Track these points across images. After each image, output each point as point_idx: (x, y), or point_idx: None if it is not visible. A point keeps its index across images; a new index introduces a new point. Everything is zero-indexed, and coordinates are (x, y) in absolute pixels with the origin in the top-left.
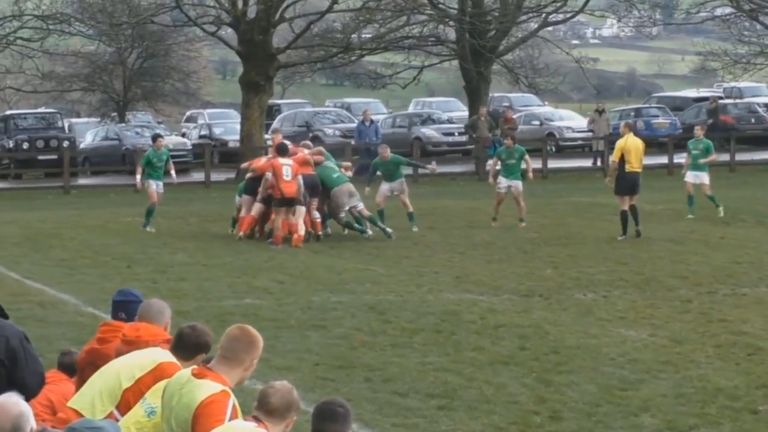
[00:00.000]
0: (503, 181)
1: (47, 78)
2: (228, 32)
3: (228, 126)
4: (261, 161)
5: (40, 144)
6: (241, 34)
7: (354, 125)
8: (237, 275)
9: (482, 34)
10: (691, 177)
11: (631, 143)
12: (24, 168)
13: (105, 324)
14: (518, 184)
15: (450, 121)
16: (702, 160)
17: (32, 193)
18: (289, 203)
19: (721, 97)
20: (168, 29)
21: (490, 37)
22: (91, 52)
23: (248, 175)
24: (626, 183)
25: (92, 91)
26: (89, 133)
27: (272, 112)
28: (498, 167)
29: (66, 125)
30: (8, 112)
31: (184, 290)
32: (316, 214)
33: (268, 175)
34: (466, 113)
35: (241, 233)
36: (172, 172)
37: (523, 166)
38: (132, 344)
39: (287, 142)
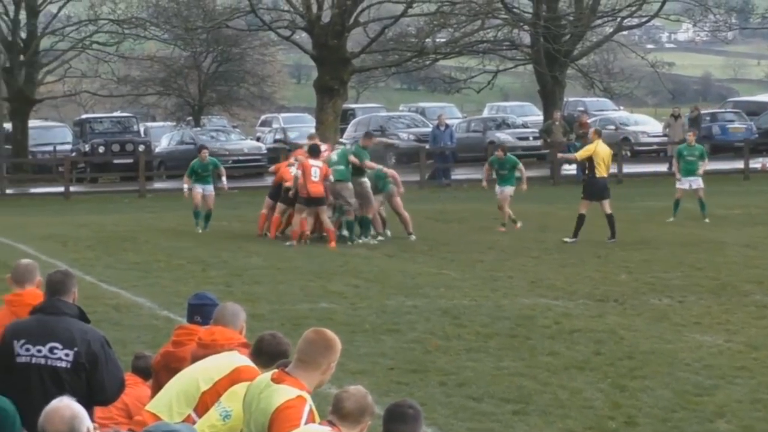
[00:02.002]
0: (498, 189)
1: (123, 82)
2: (302, 36)
3: (303, 130)
4: (284, 166)
5: (115, 148)
6: (316, 39)
7: (428, 130)
8: (311, 279)
9: (557, 38)
10: (686, 183)
11: (601, 149)
12: (100, 172)
13: (180, 327)
14: (507, 190)
15: (524, 125)
16: (699, 171)
17: (107, 196)
18: (314, 203)
19: None
20: (243, 33)
21: (564, 42)
22: (166, 56)
23: (274, 179)
24: (595, 188)
25: (167, 95)
26: (165, 137)
27: (347, 116)
28: (494, 176)
29: (142, 129)
30: (84, 116)
31: (259, 294)
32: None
33: (298, 172)
34: (540, 118)
35: (270, 234)
36: (224, 178)
37: (518, 175)
38: (207, 348)
39: (321, 144)
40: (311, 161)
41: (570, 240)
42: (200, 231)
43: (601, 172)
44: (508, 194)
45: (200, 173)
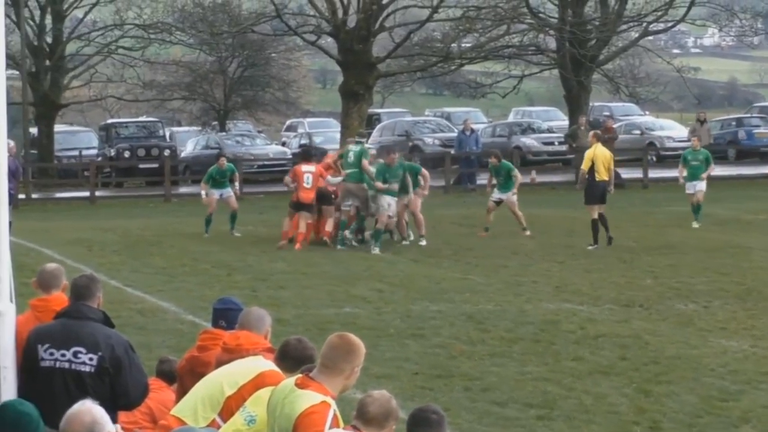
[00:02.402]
0: (495, 194)
1: (148, 87)
2: (328, 41)
3: (328, 135)
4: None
5: (141, 152)
6: (341, 44)
7: (454, 134)
8: (336, 283)
9: (583, 43)
10: (690, 188)
11: (599, 153)
12: (125, 176)
13: (205, 332)
14: (510, 197)
15: (550, 130)
16: (704, 174)
17: (133, 201)
18: (303, 208)
19: None
20: (268, 38)
21: (590, 47)
22: (191, 61)
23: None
24: (596, 192)
25: (193, 100)
26: (190, 142)
27: (372, 121)
28: (493, 182)
29: (167, 134)
30: (110, 121)
31: (284, 298)
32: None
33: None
34: (566, 122)
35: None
36: (236, 183)
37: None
38: (232, 352)
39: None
40: (304, 167)
41: (592, 247)
42: (207, 236)
43: (601, 175)
44: (514, 200)
45: (217, 179)
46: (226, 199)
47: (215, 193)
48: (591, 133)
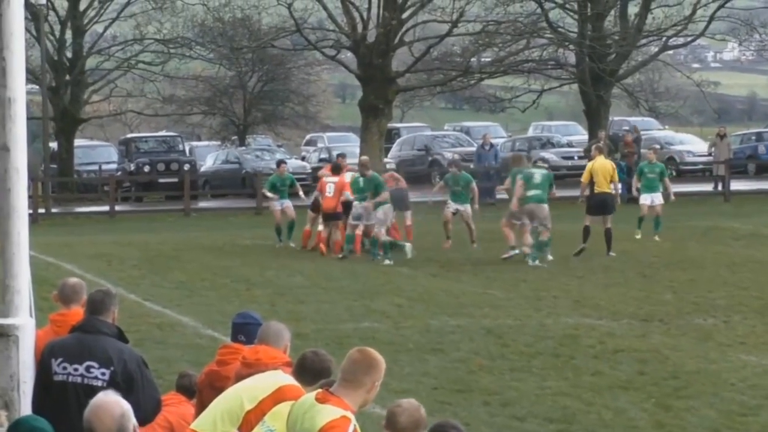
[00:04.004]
0: (452, 205)
1: (168, 101)
2: (347, 56)
3: (347, 150)
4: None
5: (161, 167)
6: (361, 58)
7: (473, 149)
8: (355, 298)
9: (602, 57)
10: (647, 199)
11: (599, 166)
12: (145, 191)
13: (224, 346)
14: (467, 208)
15: (569, 144)
16: (669, 191)
17: (153, 215)
18: (326, 218)
19: None
20: (288, 53)
21: (610, 61)
22: (211, 75)
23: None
24: (595, 203)
25: (213, 115)
26: (210, 157)
27: (391, 135)
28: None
29: (187, 148)
30: (129, 136)
31: (303, 313)
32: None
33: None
34: (585, 137)
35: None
36: (300, 193)
37: (471, 195)
38: (252, 367)
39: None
40: (326, 178)
41: (580, 247)
42: (292, 245)
43: (600, 186)
44: (470, 212)
45: (278, 187)
46: (284, 209)
47: (277, 205)
48: (594, 146)
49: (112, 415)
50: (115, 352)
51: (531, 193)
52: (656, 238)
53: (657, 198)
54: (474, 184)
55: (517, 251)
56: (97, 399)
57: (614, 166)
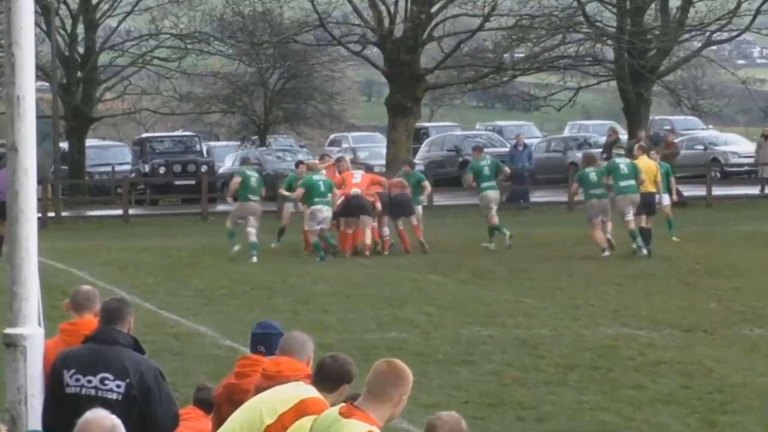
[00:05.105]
0: None
1: (185, 99)
2: (374, 52)
3: (373, 150)
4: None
5: (177, 168)
6: (388, 54)
7: (506, 150)
8: (381, 306)
9: (642, 53)
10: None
11: (642, 165)
12: (160, 193)
13: (244, 358)
14: (418, 209)
15: (622, 145)
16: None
17: (168, 219)
18: (355, 211)
19: None
20: (311, 49)
21: (650, 57)
22: (230, 72)
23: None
24: (640, 203)
25: (232, 114)
26: (228, 157)
27: (419, 135)
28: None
29: (204, 149)
30: (144, 135)
31: (327, 322)
32: (386, 231)
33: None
34: (624, 137)
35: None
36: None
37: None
38: (272, 379)
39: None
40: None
41: (644, 252)
42: (274, 245)
43: (645, 187)
44: (420, 213)
45: (295, 188)
46: (298, 212)
47: (290, 207)
48: (637, 146)
49: (103, 426)
50: (132, 364)
51: (624, 183)
52: (674, 238)
53: (665, 198)
54: (426, 182)
55: (607, 253)
56: (85, 417)
57: (657, 165)
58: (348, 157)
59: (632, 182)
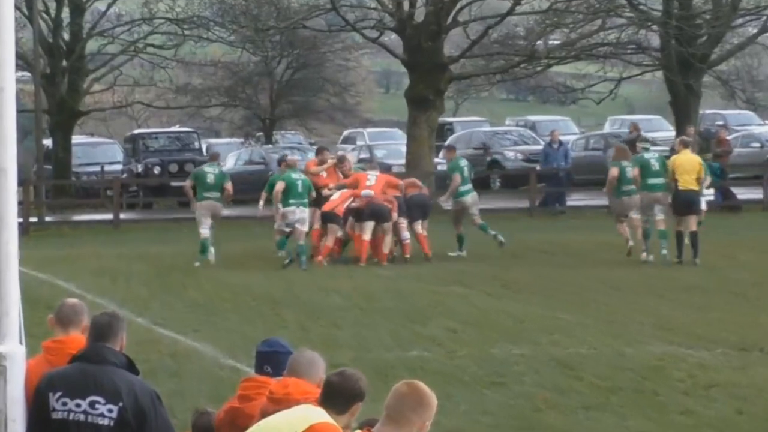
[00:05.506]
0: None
1: (182, 92)
2: (392, 38)
3: (392, 148)
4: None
5: (173, 168)
6: (407, 41)
7: (539, 147)
8: (401, 322)
9: (691, 40)
10: None
11: (683, 160)
12: (155, 196)
13: (248, 379)
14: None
15: (653, 142)
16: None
17: (164, 224)
18: (370, 216)
19: None
20: (322, 35)
21: (700, 44)
22: (232, 61)
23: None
24: (680, 202)
25: (234, 107)
26: (230, 156)
27: (443, 131)
28: None
29: (204, 147)
30: (137, 132)
31: (340, 339)
32: (407, 235)
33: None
34: (672, 133)
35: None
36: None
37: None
38: (280, 403)
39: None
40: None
41: (676, 260)
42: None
43: (685, 183)
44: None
45: None
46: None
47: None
48: (678, 140)
49: None
50: (125, 385)
51: (653, 180)
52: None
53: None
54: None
55: (632, 243)
56: None
57: (701, 161)
58: (350, 155)
59: (661, 180)
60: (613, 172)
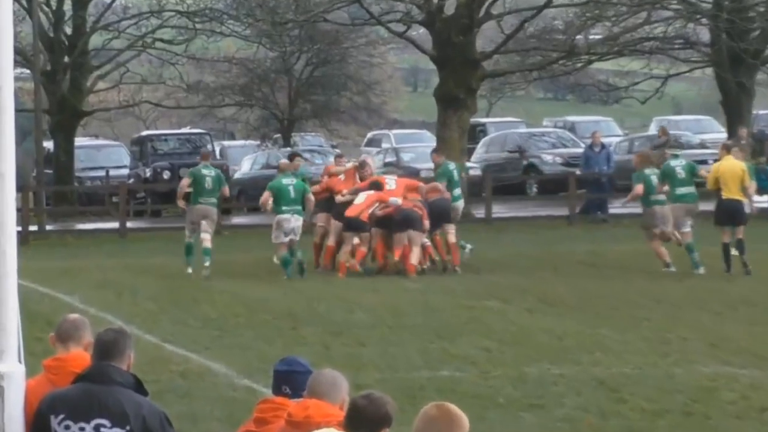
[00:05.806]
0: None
1: (193, 90)
2: (420, 33)
3: (419, 151)
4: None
5: (183, 173)
6: (437, 35)
7: (580, 150)
8: (430, 339)
9: (743, 34)
10: None
11: (726, 167)
12: (164, 203)
13: (265, 401)
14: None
15: (702, 145)
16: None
17: (174, 233)
18: (397, 226)
19: None
20: (345, 29)
21: (753, 39)
22: (248, 57)
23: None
24: (724, 212)
25: (250, 107)
26: (246, 160)
27: (476, 133)
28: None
29: (217, 149)
30: (145, 133)
31: (364, 358)
32: (426, 241)
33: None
34: (722, 135)
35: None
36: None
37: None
38: (299, 427)
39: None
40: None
41: (726, 271)
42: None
43: (729, 192)
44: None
45: None
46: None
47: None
48: (721, 145)
49: None
50: (132, 407)
51: (682, 190)
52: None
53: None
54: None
55: (673, 269)
56: None
57: (744, 166)
58: (370, 159)
59: (692, 189)
60: (638, 190)
